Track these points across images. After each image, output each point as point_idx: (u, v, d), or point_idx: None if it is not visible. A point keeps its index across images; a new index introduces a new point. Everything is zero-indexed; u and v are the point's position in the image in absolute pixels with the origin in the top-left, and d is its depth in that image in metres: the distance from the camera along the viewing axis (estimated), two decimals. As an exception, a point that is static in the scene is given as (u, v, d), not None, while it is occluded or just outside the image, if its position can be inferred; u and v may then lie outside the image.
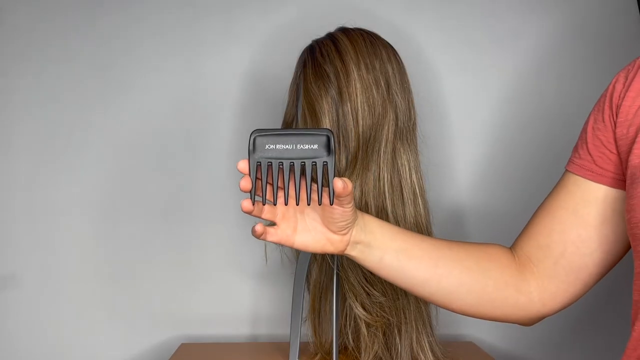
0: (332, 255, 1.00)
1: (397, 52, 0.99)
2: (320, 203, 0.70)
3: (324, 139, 0.68)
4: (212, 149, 1.26)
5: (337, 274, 1.00)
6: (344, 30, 1.00)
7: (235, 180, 1.26)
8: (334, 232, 0.73)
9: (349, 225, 0.73)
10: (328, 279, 1.05)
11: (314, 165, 0.68)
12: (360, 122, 0.93)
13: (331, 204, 0.69)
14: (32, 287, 1.25)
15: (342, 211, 0.71)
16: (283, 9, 1.26)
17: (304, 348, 1.10)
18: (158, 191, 1.26)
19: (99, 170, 1.25)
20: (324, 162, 0.68)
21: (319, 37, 1.02)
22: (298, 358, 1.06)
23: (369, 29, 1.01)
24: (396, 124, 0.95)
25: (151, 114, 1.26)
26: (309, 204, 0.69)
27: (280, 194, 0.71)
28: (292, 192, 0.71)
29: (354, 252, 0.76)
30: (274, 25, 1.26)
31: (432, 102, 1.26)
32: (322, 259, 1.04)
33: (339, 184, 0.67)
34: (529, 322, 0.82)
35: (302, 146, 0.68)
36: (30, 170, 1.25)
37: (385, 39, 1.00)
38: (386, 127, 0.94)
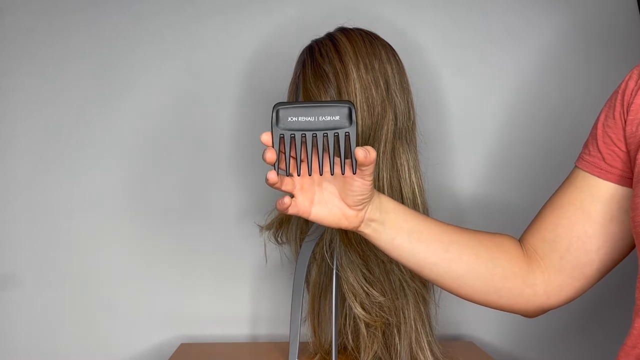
0: (331, 255, 1.00)
1: (396, 52, 0.99)
2: (343, 173, 0.70)
3: (345, 110, 0.69)
4: (212, 149, 1.26)
5: (337, 274, 1.00)
6: (343, 30, 1.00)
7: (234, 180, 1.26)
8: (350, 206, 0.74)
9: (366, 200, 0.74)
10: (327, 279, 1.06)
11: (336, 135, 0.68)
12: (360, 122, 0.93)
13: (354, 173, 0.69)
14: (32, 287, 1.25)
15: (362, 183, 0.71)
16: (283, 8, 1.26)
17: (303, 348, 1.10)
18: (158, 191, 1.26)
19: (99, 170, 1.26)
20: (346, 132, 0.68)
21: (318, 37, 1.02)
22: (297, 358, 1.06)
23: (368, 29, 1.01)
24: (395, 124, 0.95)
25: (151, 114, 1.26)
26: (332, 174, 0.70)
27: (304, 165, 0.71)
28: (315, 164, 0.71)
29: (367, 230, 0.77)
30: (274, 25, 1.26)
31: (432, 102, 1.26)
32: (321, 259, 1.04)
33: (360, 152, 0.67)
34: (532, 314, 0.83)
35: (324, 118, 0.68)
36: (31, 170, 1.25)
37: (385, 39, 1.00)
38: (385, 127, 0.94)
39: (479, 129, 1.29)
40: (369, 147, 0.68)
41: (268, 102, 1.20)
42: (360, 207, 0.74)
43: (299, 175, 0.70)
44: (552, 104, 1.28)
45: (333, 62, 0.95)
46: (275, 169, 0.68)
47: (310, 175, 0.71)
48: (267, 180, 0.68)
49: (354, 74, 0.94)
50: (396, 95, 0.96)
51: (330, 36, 0.99)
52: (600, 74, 1.26)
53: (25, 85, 1.25)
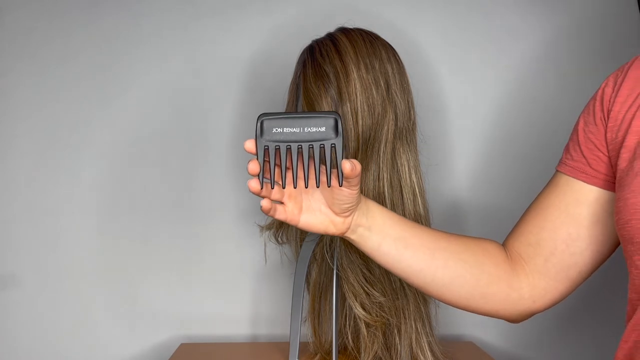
0: (331, 255, 1.00)
1: (396, 52, 0.99)
2: (329, 185, 0.70)
3: (331, 121, 0.68)
4: (212, 148, 1.26)
5: (337, 274, 1.00)
6: (343, 30, 1.00)
7: (234, 180, 1.26)
8: (337, 213, 0.74)
9: (353, 207, 0.74)
10: (328, 279, 1.06)
11: (322, 147, 0.68)
12: (360, 122, 0.93)
13: (340, 186, 0.69)
14: (32, 287, 1.25)
15: (349, 193, 0.71)
16: (283, 8, 1.26)
17: (303, 348, 1.10)
18: (158, 191, 1.26)
19: (99, 170, 1.26)
20: (332, 144, 0.68)
21: (318, 37, 1.02)
22: (298, 358, 1.06)
23: (368, 29, 1.01)
24: (396, 124, 0.95)
25: (151, 114, 1.26)
26: (317, 187, 0.69)
27: (289, 174, 0.71)
28: (300, 174, 0.71)
29: (354, 236, 0.77)
30: (274, 25, 1.26)
31: (432, 102, 1.26)
32: (321, 259, 1.04)
33: (347, 165, 0.67)
34: (517, 319, 0.83)
35: (309, 129, 0.68)
36: (31, 169, 1.25)
37: (385, 38, 1.00)
38: (386, 127, 0.94)
39: (478, 128, 1.29)
40: (354, 161, 0.68)
41: (268, 102, 1.21)
42: (347, 214, 0.74)
43: (283, 187, 0.69)
44: (552, 104, 1.28)
45: (333, 62, 0.95)
46: (259, 180, 0.68)
47: (295, 187, 0.71)
48: (249, 189, 0.68)
49: (354, 74, 0.94)
50: (396, 95, 0.96)
51: (330, 36, 0.99)
52: (601, 75, 1.25)
53: (25, 85, 1.25)
